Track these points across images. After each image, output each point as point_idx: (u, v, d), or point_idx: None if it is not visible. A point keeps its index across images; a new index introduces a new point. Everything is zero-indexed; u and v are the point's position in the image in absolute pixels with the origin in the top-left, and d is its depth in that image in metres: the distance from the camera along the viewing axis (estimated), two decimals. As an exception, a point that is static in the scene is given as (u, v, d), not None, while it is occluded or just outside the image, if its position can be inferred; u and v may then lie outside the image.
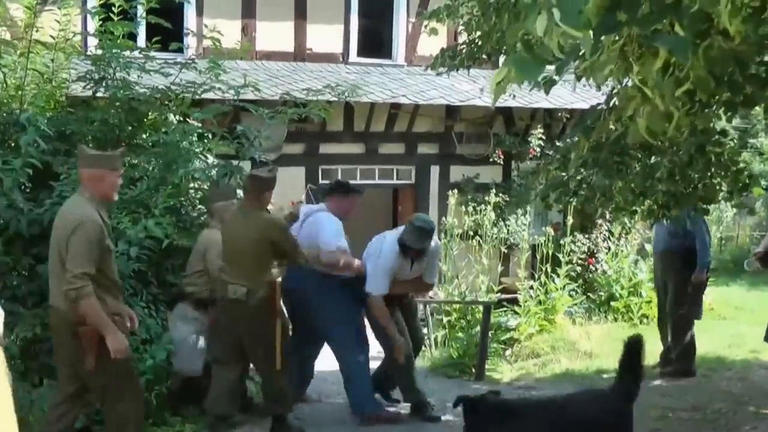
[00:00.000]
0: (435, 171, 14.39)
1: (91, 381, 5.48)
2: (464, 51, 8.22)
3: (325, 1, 13.90)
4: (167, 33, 8.15)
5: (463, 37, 9.06)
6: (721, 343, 10.08)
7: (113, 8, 7.78)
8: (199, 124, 8.31)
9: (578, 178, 6.30)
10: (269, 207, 6.77)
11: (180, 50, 8.25)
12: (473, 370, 9.84)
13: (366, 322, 7.64)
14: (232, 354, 6.72)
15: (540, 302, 11.85)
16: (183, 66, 8.21)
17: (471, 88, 12.90)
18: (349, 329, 7.33)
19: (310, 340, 7.52)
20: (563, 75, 4.96)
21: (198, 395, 6.96)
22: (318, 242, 7.09)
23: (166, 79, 8.11)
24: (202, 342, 6.90)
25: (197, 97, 8.29)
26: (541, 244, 12.29)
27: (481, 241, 12.51)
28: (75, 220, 5.16)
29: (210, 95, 8.55)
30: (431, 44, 9.45)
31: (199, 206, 7.99)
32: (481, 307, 10.56)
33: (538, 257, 12.52)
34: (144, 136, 7.94)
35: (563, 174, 6.46)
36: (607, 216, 12.20)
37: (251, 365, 7.02)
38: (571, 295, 12.37)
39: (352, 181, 13.48)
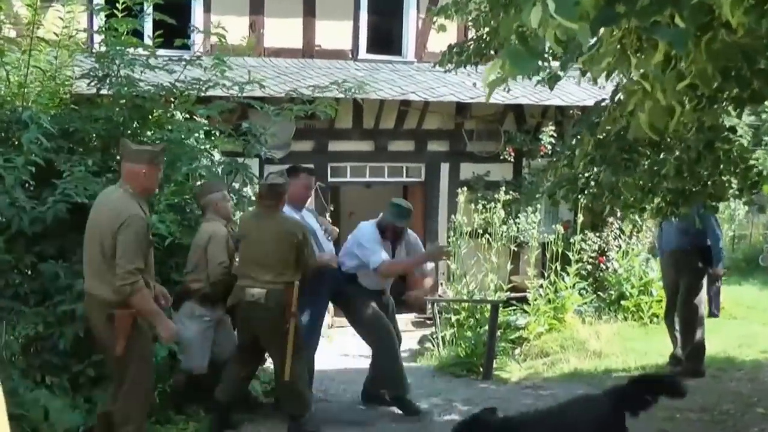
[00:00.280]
0: (445, 168, 14.32)
1: (117, 368, 5.53)
2: (471, 47, 8.14)
3: (334, -2, 13.86)
4: (175, 30, 8.10)
5: (472, 34, 9.00)
6: (732, 343, 9.97)
7: (117, 4, 7.72)
8: (206, 122, 8.24)
9: (586, 175, 6.23)
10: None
11: (186, 47, 8.18)
12: (481, 370, 9.75)
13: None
14: (246, 355, 6.72)
15: (549, 301, 11.79)
16: (188, 63, 8.15)
17: (481, 85, 12.81)
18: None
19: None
20: (568, 71, 4.96)
21: (202, 393, 6.91)
22: None
23: (171, 76, 8.05)
24: (209, 339, 6.84)
25: (203, 94, 8.21)
26: (551, 243, 12.20)
27: (490, 239, 12.43)
28: (122, 216, 5.26)
29: (217, 92, 8.48)
30: (441, 41, 9.38)
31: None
32: (489, 306, 10.48)
33: (548, 255, 12.44)
34: (149, 133, 7.87)
35: (571, 171, 6.38)
36: (618, 214, 12.09)
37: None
38: (581, 294, 12.30)
39: (361, 179, 13.61)
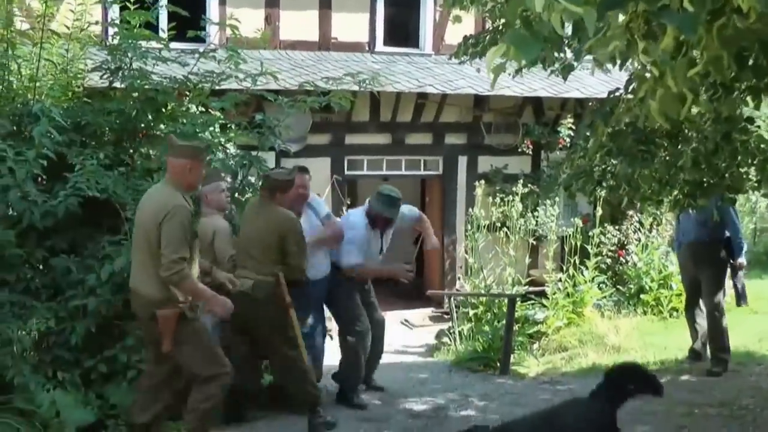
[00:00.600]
0: (463, 161, 14.24)
1: (180, 362, 5.60)
2: (487, 38, 8.03)
3: (351, -10, 13.78)
4: (190, 23, 8.07)
5: (489, 26, 8.90)
6: (752, 338, 9.83)
7: (130, -3, 7.71)
8: (220, 114, 8.20)
9: (602, 167, 6.14)
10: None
11: (199, 39, 8.13)
12: (498, 365, 9.67)
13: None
14: (245, 346, 6.69)
15: (568, 295, 11.68)
16: (201, 55, 8.10)
17: (500, 78, 12.67)
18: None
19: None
20: (582, 61, 4.87)
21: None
22: None
23: (185, 68, 8.00)
24: (219, 332, 6.78)
25: (216, 87, 8.17)
26: (570, 236, 12.09)
27: (508, 232, 12.33)
28: (167, 207, 5.31)
29: (232, 85, 8.44)
30: (459, 33, 9.27)
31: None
32: (506, 300, 10.39)
33: (567, 249, 12.33)
34: (162, 126, 7.83)
35: (587, 163, 6.29)
36: (637, 206, 11.97)
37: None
38: (600, 288, 12.18)
39: (378, 172, 13.54)
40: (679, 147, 5.49)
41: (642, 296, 12.40)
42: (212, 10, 12.59)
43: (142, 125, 7.74)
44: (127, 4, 7.76)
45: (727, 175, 5.61)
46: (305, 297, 6.89)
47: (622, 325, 11.24)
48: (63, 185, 6.57)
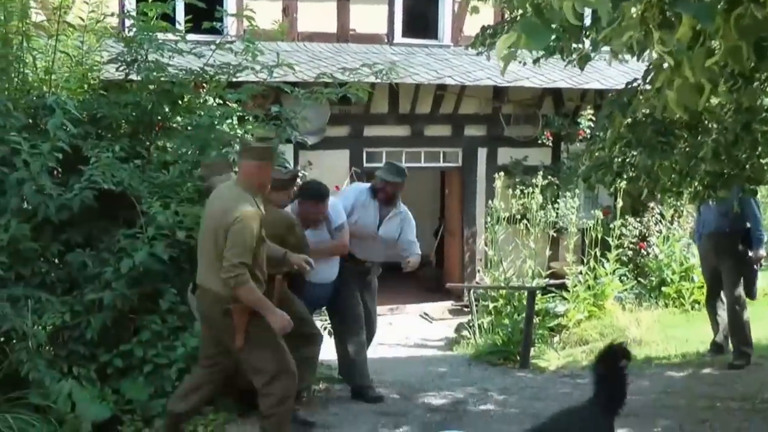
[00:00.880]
0: (482, 153, 14.19)
1: (245, 361, 5.57)
2: (505, 29, 7.95)
3: (369, -20, 13.71)
4: (208, 15, 8.03)
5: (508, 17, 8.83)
6: (775, 331, 9.73)
7: (147, -12, 7.66)
8: (237, 106, 8.16)
9: (621, 158, 6.07)
10: None
11: (215, 31, 8.08)
12: (518, 358, 9.61)
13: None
14: None
15: (589, 287, 11.60)
16: (217, 47, 8.05)
17: (519, 69, 12.61)
18: None
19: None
20: (600, 51, 4.80)
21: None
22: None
23: (201, 60, 7.96)
24: None
25: (233, 79, 8.13)
26: (591, 228, 11.99)
27: (528, 224, 12.24)
28: (236, 212, 5.29)
29: (250, 77, 8.39)
30: (478, 24, 9.19)
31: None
32: (526, 293, 10.33)
33: (588, 241, 12.24)
34: (178, 118, 7.80)
35: (606, 154, 6.22)
36: (657, 198, 11.86)
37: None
38: (621, 281, 12.10)
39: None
40: (699, 138, 5.41)
41: (663, 289, 12.34)
42: (229, 1, 12.57)
43: (159, 117, 7.69)
44: (144, -5, 7.73)
45: (747, 166, 5.53)
46: (307, 298, 6.84)
47: (644, 318, 11.19)
48: (78, 178, 6.51)
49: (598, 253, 11.82)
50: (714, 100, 4.64)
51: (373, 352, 8.74)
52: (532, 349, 9.79)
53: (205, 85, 7.99)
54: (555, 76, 12.98)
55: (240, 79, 8.29)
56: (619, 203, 11.92)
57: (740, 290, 8.31)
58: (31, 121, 7.05)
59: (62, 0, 7.38)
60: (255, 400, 6.67)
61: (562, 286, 11.72)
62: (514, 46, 2.42)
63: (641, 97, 4.85)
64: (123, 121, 7.50)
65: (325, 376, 7.78)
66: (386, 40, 13.97)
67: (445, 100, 13.60)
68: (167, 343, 6.43)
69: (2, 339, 6.04)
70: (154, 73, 7.52)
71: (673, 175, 5.84)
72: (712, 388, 7.51)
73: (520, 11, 7.68)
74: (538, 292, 10.54)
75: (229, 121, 7.99)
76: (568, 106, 14.24)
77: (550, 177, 13.10)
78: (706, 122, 5.31)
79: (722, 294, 8.54)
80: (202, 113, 7.76)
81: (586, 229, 12.40)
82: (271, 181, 6.30)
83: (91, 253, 6.55)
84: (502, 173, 12.86)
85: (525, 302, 10.27)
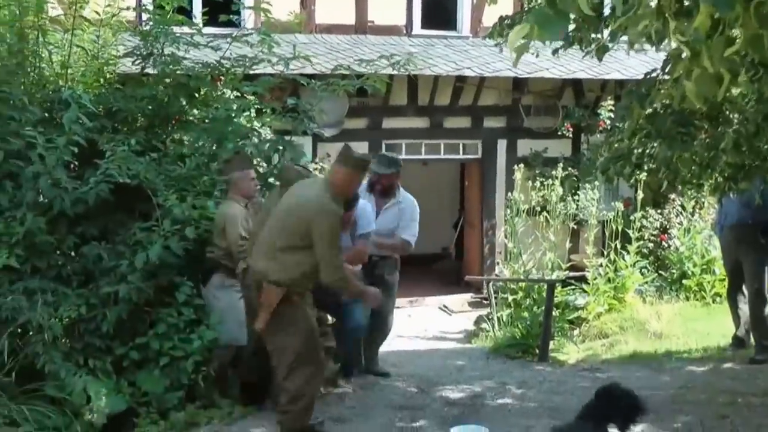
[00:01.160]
0: (502, 145, 14.08)
1: (271, 342, 5.66)
2: (522, 19, 7.87)
3: (388, -28, 13.61)
4: (224, 8, 8.02)
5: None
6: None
7: (163, -18, 7.65)
8: (254, 99, 8.14)
9: (640, 150, 5.99)
10: None
11: (232, 24, 8.06)
12: (537, 351, 9.54)
13: None
14: None
15: (609, 280, 11.51)
16: (234, 39, 8.03)
17: (538, 60, 12.52)
18: None
19: None
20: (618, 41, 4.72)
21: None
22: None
23: (217, 53, 7.95)
24: (242, 310, 6.71)
25: (249, 71, 8.11)
26: (611, 220, 11.89)
27: (548, 216, 12.15)
28: (327, 212, 5.46)
29: (268, 70, 8.37)
30: (497, 15, 9.11)
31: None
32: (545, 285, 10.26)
33: (608, 233, 12.14)
34: (195, 111, 7.79)
35: (625, 146, 6.14)
36: (678, 190, 11.75)
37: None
38: (641, 273, 11.99)
39: (417, 156, 13.44)
40: (720, 129, 5.32)
41: (684, 281, 12.23)
42: (247, -7, 12.52)
43: (175, 111, 7.69)
44: (161, -11, 7.72)
45: (769, 157, 5.44)
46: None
47: (664, 311, 11.08)
48: (94, 172, 6.52)
49: (619, 246, 11.71)
50: (735, 91, 4.56)
51: (392, 344, 8.71)
52: (551, 342, 9.73)
53: (221, 78, 7.99)
54: (575, 67, 12.87)
55: (257, 72, 8.28)
56: (640, 195, 11.82)
57: (763, 283, 8.21)
58: (47, 115, 7.08)
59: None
60: (255, 393, 6.73)
61: (582, 279, 11.64)
62: (527, 37, 2.36)
63: (660, 88, 4.76)
64: (139, 115, 7.54)
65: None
66: (405, 32, 13.90)
67: (464, 91, 13.51)
68: (183, 336, 6.43)
69: (18, 331, 6.04)
70: (170, 67, 7.55)
71: (693, 167, 5.76)
72: (733, 384, 7.42)
73: (540, 0, 7.65)
74: (557, 284, 10.46)
75: (246, 113, 7.97)
76: (589, 97, 14.11)
77: (570, 168, 12.99)
78: (727, 113, 5.22)
79: (744, 287, 8.44)
80: (219, 106, 7.74)
81: (607, 221, 12.30)
82: (282, 179, 6.38)
83: (107, 246, 6.57)
84: (521, 165, 12.76)
85: (544, 295, 10.20)
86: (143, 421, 6.11)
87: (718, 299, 11.49)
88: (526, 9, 8.20)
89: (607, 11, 5.10)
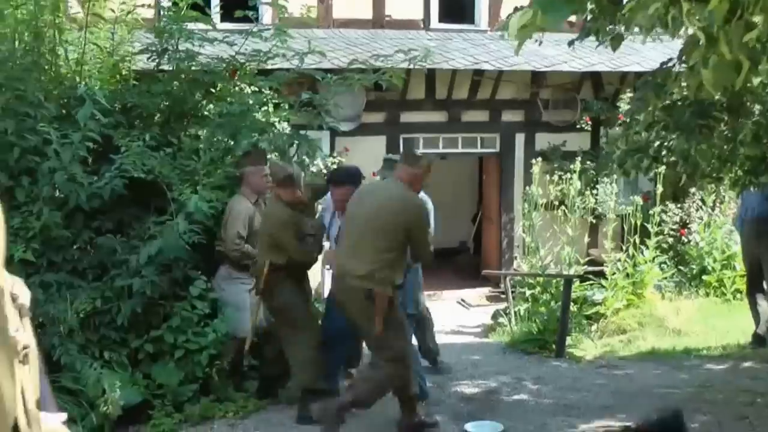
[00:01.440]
0: (520, 139, 14.02)
1: (376, 340, 5.93)
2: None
3: (405, -34, 13.55)
4: (241, 2, 8.00)
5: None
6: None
7: (178, -21, 7.64)
8: (271, 93, 8.12)
9: (658, 142, 5.90)
10: None
11: (248, 19, 8.02)
12: (554, 347, 9.46)
13: None
14: None
15: (628, 275, 11.37)
16: (249, 35, 8.02)
17: (557, 53, 12.45)
18: None
19: None
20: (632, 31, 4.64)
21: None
22: None
23: (232, 48, 7.93)
24: (248, 302, 6.71)
25: (264, 66, 8.09)
26: (630, 214, 11.77)
27: (566, 210, 12.05)
28: (418, 211, 5.94)
29: (285, 65, 8.34)
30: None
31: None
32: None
33: (627, 228, 12.03)
34: (210, 106, 7.80)
35: (643, 138, 6.05)
36: (697, 184, 11.63)
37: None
38: (661, 268, 11.86)
39: (435, 150, 13.36)
40: (740, 120, 5.23)
41: (704, 277, 12.10)
42: (264, -12, 12.50)
43: (190, 106, 7.70)
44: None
45: (790, 150, 5.34)
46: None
47: (684, 307, 10.97)
48: (109, 167, 6.56)
49: (638, 240, 11.57)
50: (755, 80, 4.47)
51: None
52: (568, 337, 9.62)
53: (236, 72, 7.97)
54: (593, 60, 12.77)
55: (273, 67, 8.26)
56: (659, 189, 11.70)
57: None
58: (63, 111, 7.11)
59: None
60: (275, 387, 6.76)
61: (601, 274, 11.53)
62: (530, 23, 2.31)
63: (677, 78, 4.68)
64: (155, 111, 7.52)
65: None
66: (422, 26, 13.85)
67: (482, 85, 13.44)
68: (197, 329, 6.49)
69: (37, 324, 6.06)
70: (185, 63, 7.56)
71: (712, 160, 5.67)
72: (752, 382, 7.34)
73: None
74: (575, 279, 10.37)
75: (264, 108, 7.96)
76: (608, 90, 13.99)
77: (588, 162, 12.88)
78: (748, 104, 5.13)
79: (764, 283, 8.34)
80: (234, 101, 7.73)
81: (625, 215, 12.18)
82: (272, 176, 6.38)
83: (122, 240, 6.59)
84: (540, 159, 12.64)
85: (562, 290, 10.11)
86: (158, 413, 6.19)
87: (738, 296, 11.34)
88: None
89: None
